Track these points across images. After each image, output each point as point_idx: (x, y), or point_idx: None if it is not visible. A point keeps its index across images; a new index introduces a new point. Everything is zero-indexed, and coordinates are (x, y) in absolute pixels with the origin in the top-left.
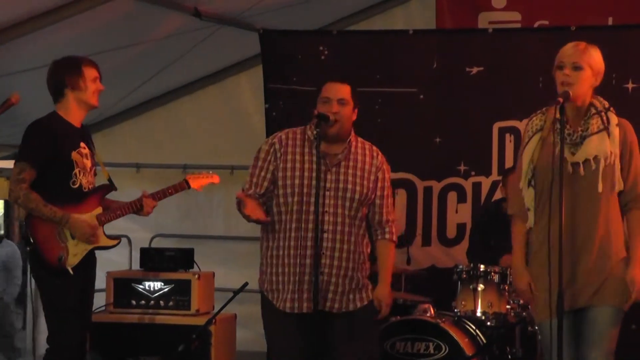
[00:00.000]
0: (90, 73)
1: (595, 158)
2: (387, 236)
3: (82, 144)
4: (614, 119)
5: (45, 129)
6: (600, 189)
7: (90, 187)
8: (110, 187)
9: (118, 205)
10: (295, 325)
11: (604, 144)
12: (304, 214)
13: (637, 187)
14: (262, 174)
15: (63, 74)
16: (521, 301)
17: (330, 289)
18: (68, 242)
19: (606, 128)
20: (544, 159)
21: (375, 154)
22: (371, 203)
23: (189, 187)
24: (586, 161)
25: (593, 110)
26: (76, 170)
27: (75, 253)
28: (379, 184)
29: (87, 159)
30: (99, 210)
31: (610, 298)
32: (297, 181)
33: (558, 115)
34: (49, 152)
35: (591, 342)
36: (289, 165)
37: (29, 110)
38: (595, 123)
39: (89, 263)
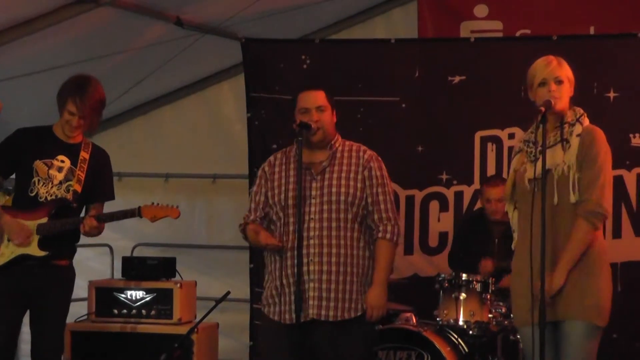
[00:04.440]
0: (69, 106)
1: (548, 171)
2: (380, 234)
3: (62, 157)
4: (578, 129)
5: (17, 135)
6: (555, 201)
7: (49, 198)
8: (64, 201)
9: (62, 221)
10: (285, 338)
11: (555, 156)
12: (290, 225)
13: (590, 194)
14: (258, 197)
15: (59, 94)
16: (503, 310)
17: (322, 296)
18: (2, 243)
19: (562, 140)
20: (519, 179)
21: (361, 154)
22: (364, 204)
23: (140, 215)
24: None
25: (558, 124)
26: (35, 179)
27: (2, 253)
28: (368, 182)
29: (61, 172)
30: (44, 220)
31: (581, 312)
32: (282, 195)
33: (534, 127)
34: (11, 157)
35: (565, 355)
36: (275, 183)
37: (10, 118)
38: (553, 136)
39: (43, 276)
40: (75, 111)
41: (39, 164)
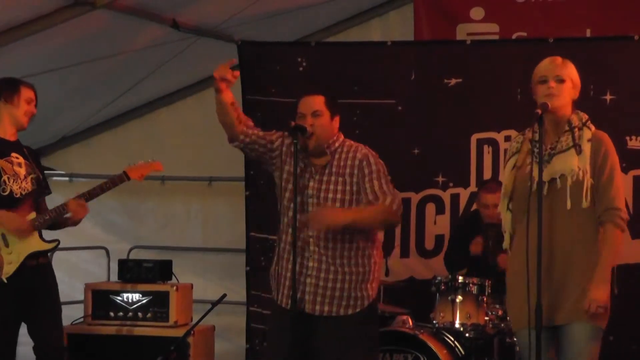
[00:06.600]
0: (26, 93)
1: (562, 176)
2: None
3: (14, 154)
4: (587, 134)
5: None
6: (568, 206)
7: (23, 193)
8: (40, 191)
9: (51, 211)
10: (286, 320)
11: (570, 161)
12: (294, 220)
13: (608, 200)
14: (264, 134)
15: (1, 88)
16: (499, 312)
17: (317, 292)
18: (1, 250)
19: (575, 145)
20: (521, 179)
21: (357, 155)
22: (363, 203)
23: (128, 178)
24: (552, 180)
25: (566, 127)
26: (4, 178)
27: (10, 261)
28: (362, 176)
29: (21, 167)
30: (33, 215)
31: (587, 315)
32: (283, 186)
33: (536, 128)
34: None
35: (569, 358)
36: (285, 167)
37: None
38: (564, 140)
39: (34, 274)
40: (33, 97)
41: (2, 163)
